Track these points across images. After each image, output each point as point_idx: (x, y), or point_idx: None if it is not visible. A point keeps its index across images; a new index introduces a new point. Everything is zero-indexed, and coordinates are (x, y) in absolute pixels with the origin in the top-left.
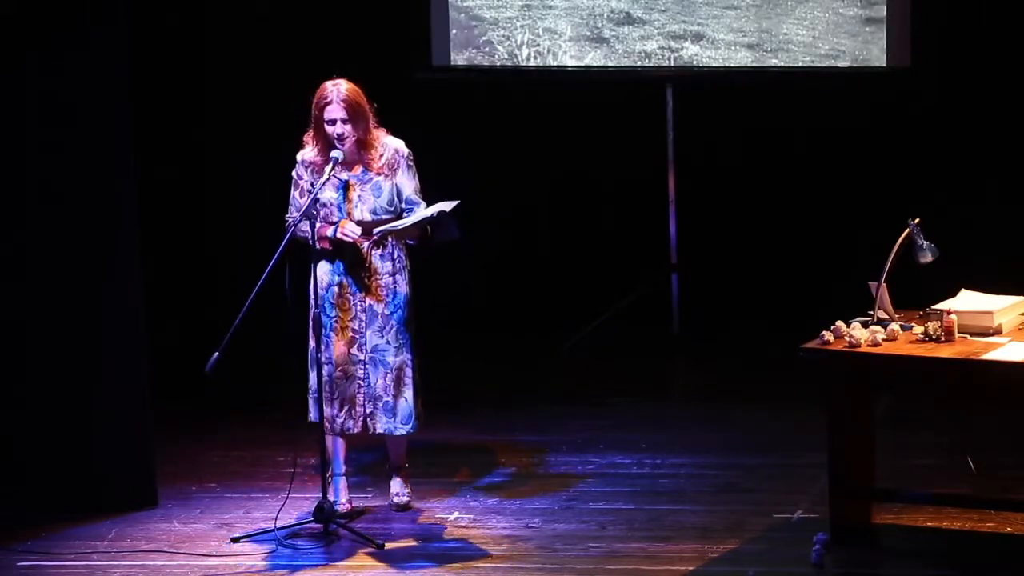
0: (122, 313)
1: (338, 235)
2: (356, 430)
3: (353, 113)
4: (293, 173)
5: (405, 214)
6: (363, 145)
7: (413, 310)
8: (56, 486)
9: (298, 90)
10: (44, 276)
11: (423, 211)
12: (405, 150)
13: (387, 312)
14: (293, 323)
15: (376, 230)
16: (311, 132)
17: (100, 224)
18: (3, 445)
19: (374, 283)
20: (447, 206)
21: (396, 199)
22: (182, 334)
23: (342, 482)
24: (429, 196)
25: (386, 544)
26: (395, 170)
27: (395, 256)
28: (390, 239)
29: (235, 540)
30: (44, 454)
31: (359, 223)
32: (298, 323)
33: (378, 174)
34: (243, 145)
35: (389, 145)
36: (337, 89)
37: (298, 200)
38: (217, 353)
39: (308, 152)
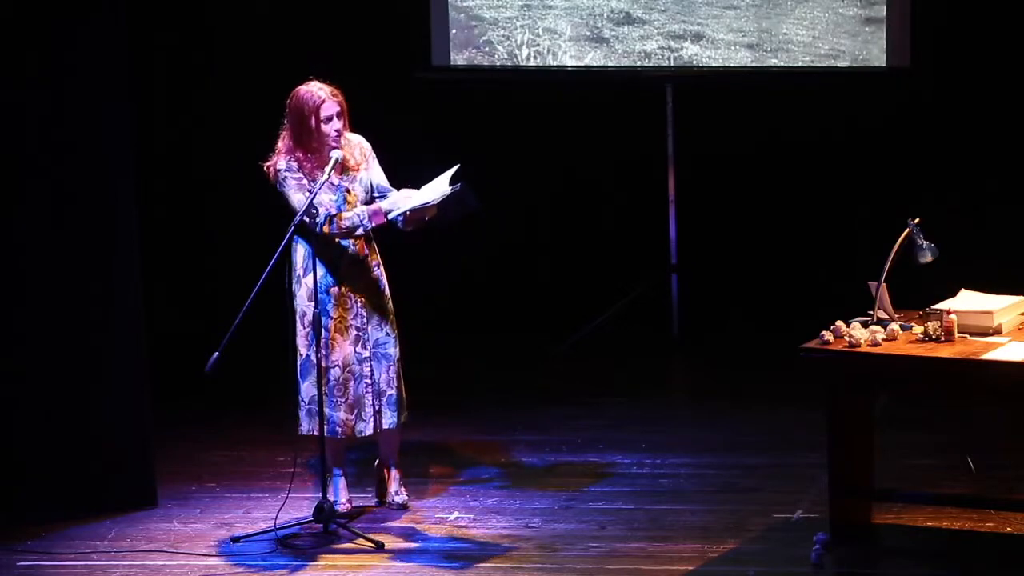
0: (122, 313)
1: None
2: (368, 432)
3: (343, 108)
4: (289, 178)
5: (380, 202)
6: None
7: None
8: (56, 486)
9: None
10: (44, 276)
11: (436, 187)
12: (367, 142)
13: (381, 304)
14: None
15: (398, 213)
16: (288, 142)
17: (100, 224)
18: (3, 445)
19: (370, 277)
20: (448, 175)
21: (371, 190)
22: (182, 334)
23: (342, 482)
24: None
25: (386, 544)
26: (368, 163)
27: (376, 249)
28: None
29: (235, 540)
30: (44, 454)
31: None
32: (288, 330)
33: (355, 170)
34: (243, 144)
35: (354, 140)
36: (323, 87)
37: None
38: (217, 353)
39: (291, 161)
